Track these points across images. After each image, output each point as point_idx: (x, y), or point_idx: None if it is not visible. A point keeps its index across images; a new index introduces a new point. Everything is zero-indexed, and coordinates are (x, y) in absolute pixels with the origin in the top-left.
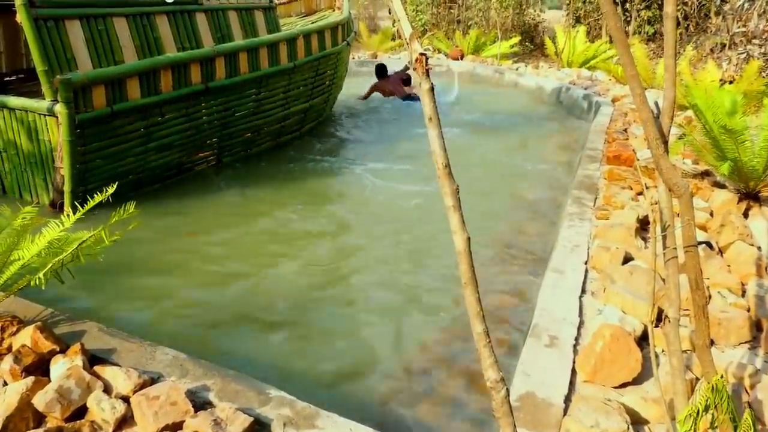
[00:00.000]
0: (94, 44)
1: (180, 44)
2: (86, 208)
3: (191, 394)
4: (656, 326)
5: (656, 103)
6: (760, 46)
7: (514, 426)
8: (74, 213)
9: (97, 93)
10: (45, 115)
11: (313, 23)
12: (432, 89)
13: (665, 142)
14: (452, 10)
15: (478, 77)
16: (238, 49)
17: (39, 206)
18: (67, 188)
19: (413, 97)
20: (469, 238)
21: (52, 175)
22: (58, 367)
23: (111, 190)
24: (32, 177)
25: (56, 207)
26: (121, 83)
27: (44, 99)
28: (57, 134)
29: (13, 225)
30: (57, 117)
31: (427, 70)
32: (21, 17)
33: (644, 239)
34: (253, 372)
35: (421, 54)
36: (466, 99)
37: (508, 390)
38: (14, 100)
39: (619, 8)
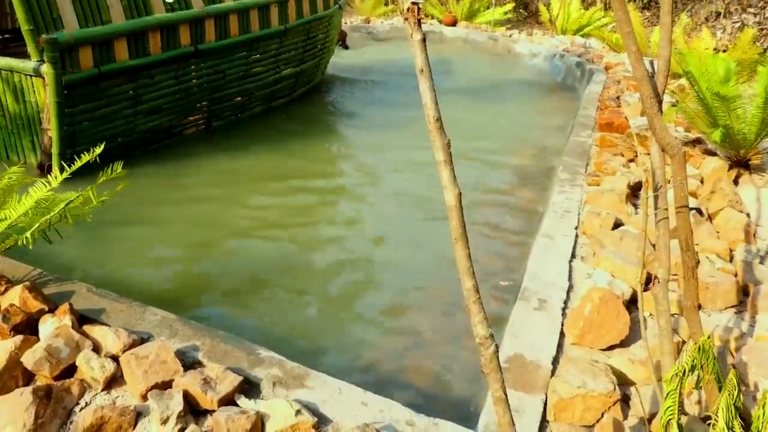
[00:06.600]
0: (81, 4)
1: (169, 5)
2: (73, 167)
3: (180, 354)
4: (645, 290)
5: (651, 63)
6: (755, 14)
7: (503, 381)
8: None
9: (84, 53)
10: (31, 75)
11: None
12: (424, 40)
13: (659, 102)
14: None
15: (472, 44)
16: (228, 10)
17: (27, 168)
18: (54, 150)
19: None
20: (460, 194)
21: (40, 136)
22: (47, 326)
23: (98, 150)
24: (19, 139)
25: (44, 169)
26: (109, 44)
27: (30, 59)
28: (44, 95)
29: None
30: (43, 78)
31: (419, 20)
32: None
33: (635, 205)
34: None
35: (413, 3)
36: (459, 65)
37: (497, 346)
38: None
39: None
